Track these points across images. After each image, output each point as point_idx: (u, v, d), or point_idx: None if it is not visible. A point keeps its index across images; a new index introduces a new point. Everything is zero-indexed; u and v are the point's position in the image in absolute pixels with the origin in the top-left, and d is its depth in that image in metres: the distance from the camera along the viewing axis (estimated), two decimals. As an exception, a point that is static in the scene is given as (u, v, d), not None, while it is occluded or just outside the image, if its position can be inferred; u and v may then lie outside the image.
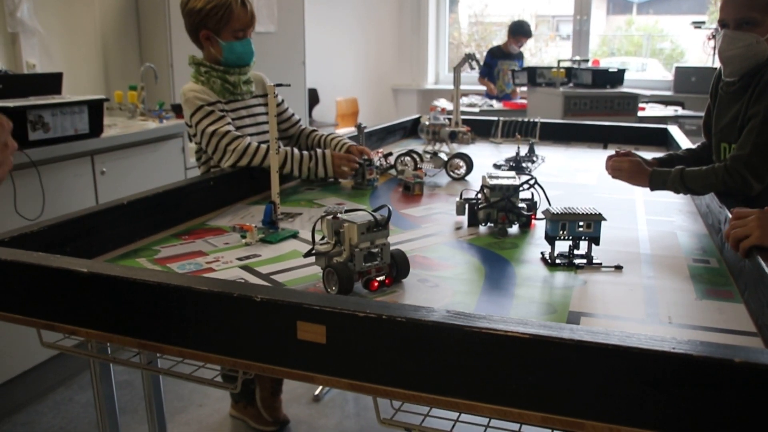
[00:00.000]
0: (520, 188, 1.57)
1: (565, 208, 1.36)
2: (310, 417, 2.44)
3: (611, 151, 1.91)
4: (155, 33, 3.64)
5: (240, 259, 1.37)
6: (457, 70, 2.65)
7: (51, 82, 2.71)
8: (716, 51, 1.73)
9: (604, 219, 1.33)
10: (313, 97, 5.99)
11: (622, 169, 1.77)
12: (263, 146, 1.93)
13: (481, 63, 5.52)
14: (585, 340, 0.76)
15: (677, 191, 1.68)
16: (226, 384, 1.20)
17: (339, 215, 1.19)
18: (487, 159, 2.46)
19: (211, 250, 1.44)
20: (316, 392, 2.58)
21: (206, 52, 2.07)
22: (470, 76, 5.84)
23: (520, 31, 5.58)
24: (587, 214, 1.33)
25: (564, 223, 1.33)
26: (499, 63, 5.65)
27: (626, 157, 1.80)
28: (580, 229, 1.33)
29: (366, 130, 2.50)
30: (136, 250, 1.44)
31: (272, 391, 2.35)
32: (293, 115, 2.31)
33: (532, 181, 1.61)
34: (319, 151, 2.03)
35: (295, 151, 1.99)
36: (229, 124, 1.99)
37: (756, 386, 0.71)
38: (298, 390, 2.60)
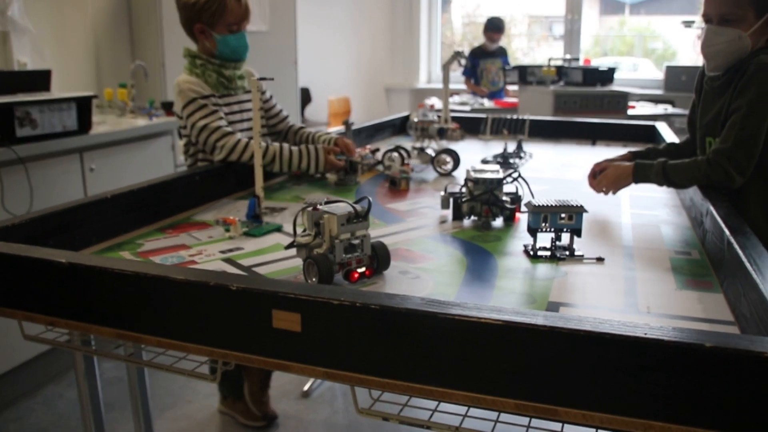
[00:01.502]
0: (504, 181, 1.58)
1: (554, 201, 1.36)
2: (299, 412, 2.44)
3: (600, 148, 1.91)
4: (147, 31, 3.63)
5: (223, 252, 1.38)
6: (446, 68, 2.66)
7: (40, 80, 2.70)
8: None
9: (586, 211, 1.34)
10: (306, 96, 5.99)
11: (604, 180, 1.75)
12: (252, 143, 1.93)
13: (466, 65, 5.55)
14: (557, 327, 0.77)
15: (660, 184, 1.68)
16: (205, 375, 1.20)
17: (319, 206, 1.19)
18: (476, 155, 2.47)
19: (195, 243, 1.44)
20: (306, 387, 2.58)
21: (201, 46, 2.06)
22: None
23: (490, 26, 5.61)
24: (568, 206, 1.33)
25: (546, 215, 1.33)
26: (481, 62, 5.65)
27: (603, 170, 1.78)
28: (562, 221, 1.34)
29: (354, 127, 2.50)
30: (120, 243, 1.44)
31: (261, 386, 2.35)
32: (281, 111, 2.31)
33: (515, 175, 1.62)
34: (311, 147, 2.02)
35: (284, 147, 1.98)
36: (221, 119, 1.98)
37: (727, 370, 0.71)
38: (287, 385, 2.60)
